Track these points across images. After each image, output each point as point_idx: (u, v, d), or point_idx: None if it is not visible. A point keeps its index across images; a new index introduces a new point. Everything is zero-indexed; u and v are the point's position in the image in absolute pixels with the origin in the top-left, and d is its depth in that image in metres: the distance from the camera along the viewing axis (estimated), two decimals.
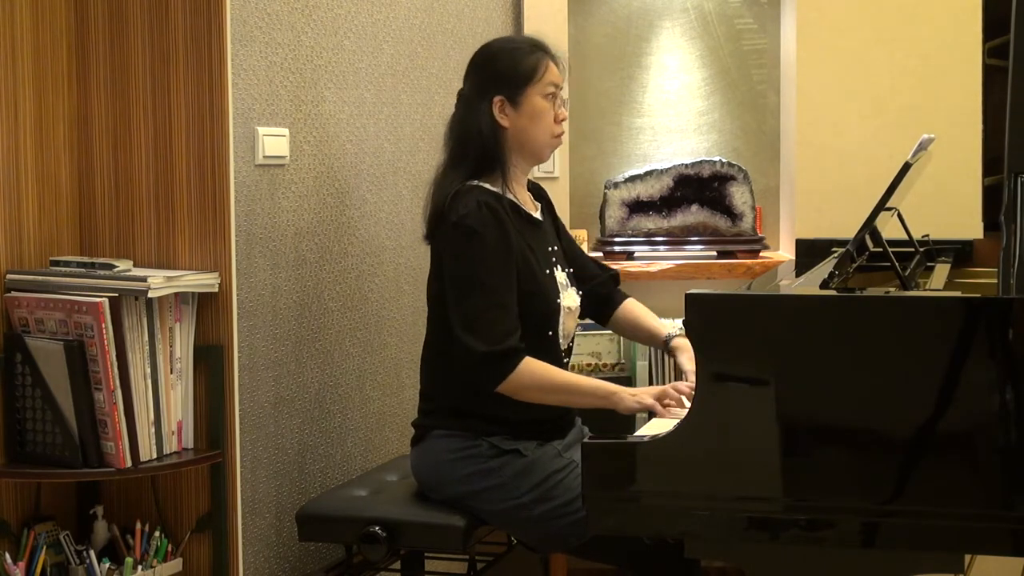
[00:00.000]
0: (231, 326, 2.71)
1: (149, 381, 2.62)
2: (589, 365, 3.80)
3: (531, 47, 2.79)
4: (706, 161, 3.99)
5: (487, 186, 2.74)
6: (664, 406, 2.64)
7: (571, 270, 2.91)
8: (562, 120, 2.81)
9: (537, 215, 2.86)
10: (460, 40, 3.61)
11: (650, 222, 3.99)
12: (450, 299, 2.67)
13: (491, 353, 2.60)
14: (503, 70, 2.76)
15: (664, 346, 2.97)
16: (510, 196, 2.76)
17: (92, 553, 2.63)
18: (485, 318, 2.62)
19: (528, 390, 2.65)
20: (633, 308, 3.05)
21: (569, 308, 2.81)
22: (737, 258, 3.94)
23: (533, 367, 2.64)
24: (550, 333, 2.75)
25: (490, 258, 2.64)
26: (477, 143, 2.74)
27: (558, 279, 2.81)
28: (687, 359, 2.89)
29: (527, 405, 2.68)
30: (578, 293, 2.88)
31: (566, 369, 2.82)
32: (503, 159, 2.76)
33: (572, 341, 2.89)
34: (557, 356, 2.77)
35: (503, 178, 2.75)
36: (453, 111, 2.83)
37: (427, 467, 2.78)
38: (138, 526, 2.70)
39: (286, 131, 2.90)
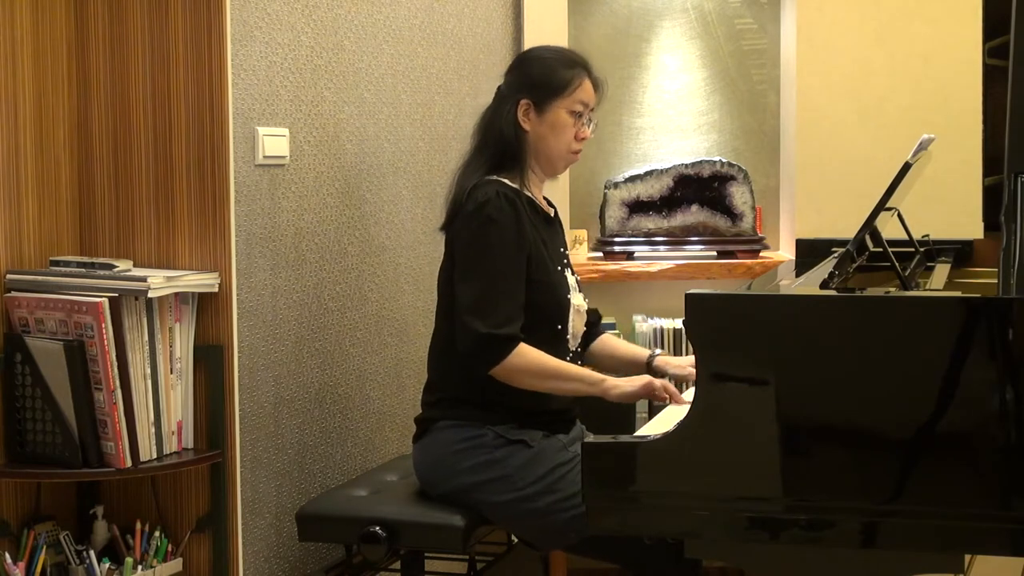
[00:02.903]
0: (231, 326, 2.71)
1: (149, 381, 2.62)
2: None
3: (571, 61, 2.83)
4: (706, 161, 3.99)
5: (506, 181, 2.76)
6: (655, 396, 2.67)
7: (579, 277, 2.93)
8: (583, 139, 2.83)
9: (552, 215, 2.89)
10: (460, 40, 3.61)
11: (650, 222, 3.99)
12: (458, 281, 2.70)
13: (490, 335, 2.63)
14: (537, 76, 2.80)
15: (648, 367, 2.99)
16: (527, 193, 2.78)
17: (92, 553, 2.63)
18: (490, 302, 2.65)
19: (520, 374, 2.66)
20: (611, 339, 3.09)
21: (578, 307, 2.82)
22: (737, 258, 3.94)
23: (527, 353, 2.66)
24: (559, 327, 2.77)
25: (503, 246, 2.67)
26: (498, 140, 2.79)
27: (568, 279, 2.83)
28: (673, 368, 2.92)
29: (532, 395, 2.69)
30: (585, 299, 2.89)
31: None
32: (521, 160, 2.80)
33: (580, 347, 2.89)
34: (565, 354, 2.79)
35: (521, 176, 2.79)
36: (489, 103, 2.88)
37: (431, 461, 2.78)
38: (138, 526, 2.70)
39: (286, 131, 2.90)
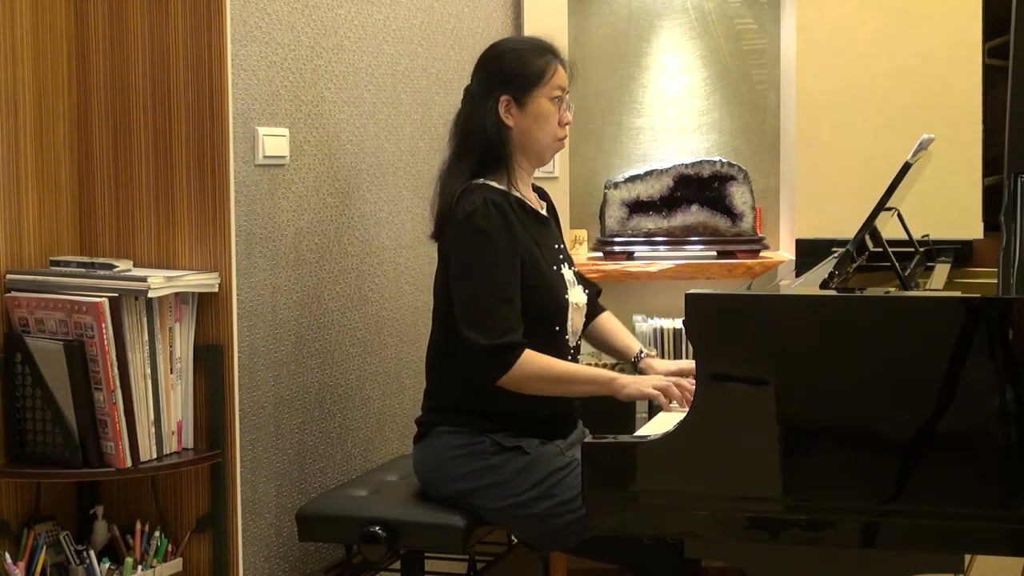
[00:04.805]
0: (231, 326, 2.71)
1: (149, 381, 2.62)
2: (589, 364, 3.79)
3: (540, 49, 2.80)
4: (706, 161, 3.99)
5: (493, 184, 2.75)
6: (667, 398, 2.65)
7: (576, 270, 2.92)
8: (566, 124, 2.82)
9: (544, 212, 2.88)
10: (460, 40, 3.61)
11: (650, 222, 3.99)
12: (455, 294, 2.69)
13: (493, 347, 2.62)
14: (512, 70, 2.77)
15: (633, 365, 2.98)
16: (516, 193, 2.77)
17: (92, 553, 2.63)
18: (488, 313, 2.64)
19: (529, 382, 2.66)
20: (609, 322, 3.07)
21: (576, 305, 2.82)
22: (737, 258, 3.94)
23: (533, 359, 2.66)
24: (557, 328, 2.76)
25: (495, 254, 2.66)
26: (482, 141, 2.76)
27: (565, 276, 2.81)
28: (658, 371, 2.89)
29: (529, 401, 2.69)
30: (584, 292, 2.89)
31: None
32: (507, 158, 2.77)
33: (580, 340, 2.89)
34: (565, 353, 2.78)
35: (508, 176, 2.77)
36: (459, 107, 2.84)
37: (429, 464, 2.79)
38: (138, 526, 2.70)
39: (286, 131, 2.90)
